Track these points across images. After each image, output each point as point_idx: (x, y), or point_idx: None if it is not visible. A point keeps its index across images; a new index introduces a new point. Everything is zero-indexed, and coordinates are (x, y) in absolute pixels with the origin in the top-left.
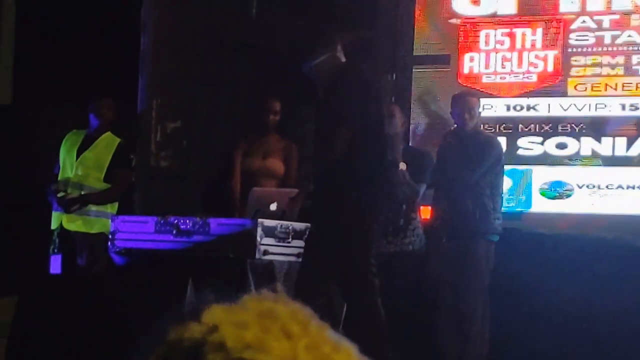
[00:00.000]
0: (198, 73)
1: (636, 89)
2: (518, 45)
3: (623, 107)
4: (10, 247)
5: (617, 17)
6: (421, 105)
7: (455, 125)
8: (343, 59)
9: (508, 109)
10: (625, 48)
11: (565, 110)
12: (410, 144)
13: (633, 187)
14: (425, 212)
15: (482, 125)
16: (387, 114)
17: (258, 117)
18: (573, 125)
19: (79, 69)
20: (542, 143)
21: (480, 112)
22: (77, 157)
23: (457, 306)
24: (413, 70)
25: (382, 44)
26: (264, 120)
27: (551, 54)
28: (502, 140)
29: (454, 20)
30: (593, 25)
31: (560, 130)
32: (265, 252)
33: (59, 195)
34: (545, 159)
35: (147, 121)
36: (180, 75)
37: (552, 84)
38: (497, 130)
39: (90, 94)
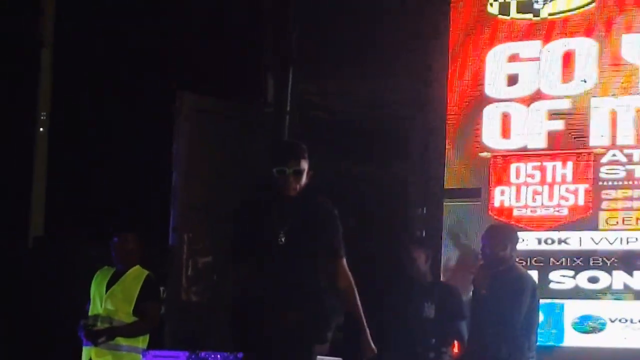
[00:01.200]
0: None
1: None
2: (549, 178)
3: None
4: None
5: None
6: (452, 238)
7: (482, 261)
8: None
9: (539, 242)
10: None
11: (596, 243)
12: (441, 279)
13: None
14: (457, 347)
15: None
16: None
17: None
18: (605, 258)
19: (109, 204)
20: (573, 277)
21: (515, 246)
22: (107, 291)
23: None
24: (444, 203)
25: (412, 178)
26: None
27: (582, 188)
28: (534, 274)
29: (484, 154)
30: (623, 159)
31: (592, 264)
32: None
33: (88, 328)
34: (577, 293)
35: (179, 255)
36: (210, 211)
37: (584, 217)
38: (529, 263)
39: (114, 229)
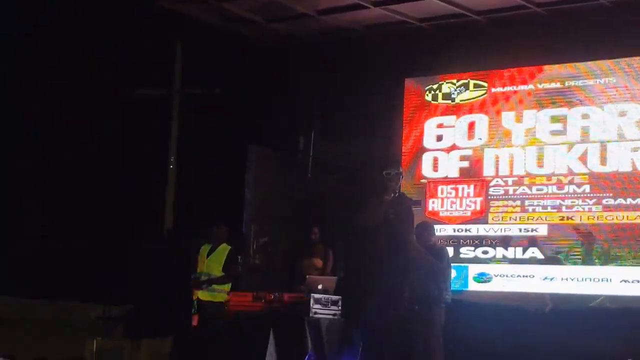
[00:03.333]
0: (277, 214)
1: (527, 220)
2: (460, 194)
3: (520, 230)
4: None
5: (515, 178)
6: None
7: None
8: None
9: (454, 230)
10: (521, 197)
11: (487, 232)
12: None
13: (527, 276)
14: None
15: (439, 241)
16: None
17: (308, 236)
18: (491, 240)
19: (212, 211)
20: (474, 250)
21: (434, 232)
22: (207, 257)
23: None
24: None
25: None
26: (310, 238)
27: (479, 200)
28: (450, 249)
29: (423, 180)
30: (502, 183)
31: (484, 243)
32: (316, 313)
33: (196, 279)
34: (476, 260)
35: (248, 238)
36: (267, 214)
37: (479, 217)
38: (447, 243)
39: (212, 223)
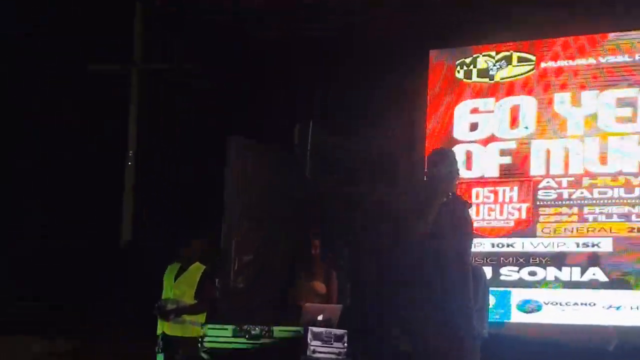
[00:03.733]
0: (265, 222)
1: (586, 232)
2: (500, 199)
3: (577, 245)
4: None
5: (572, 179)
6: None
7: None
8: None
9: (493, 246)
10: (578, 202)
11: (534, 247)
12: None
13: (586, 304)
14: None
15: (473, 259)
16: None
17: (306, 251)
18: (540, 258)
19: (181, 218)
20: (517, 271)
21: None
22: (175, 280)
23: None
24: None
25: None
26: (310, 254)
27: (524, 206)
28: (488, 270)
29: None
30: (555, 185)
31: (531, 262)
32: (314, 351)
33: (161, 308)
34: (520, 283)
35: (228, 255)
36: (252, 223)
37: (525, 228)
38: (485, 261)
39: (182, 237)
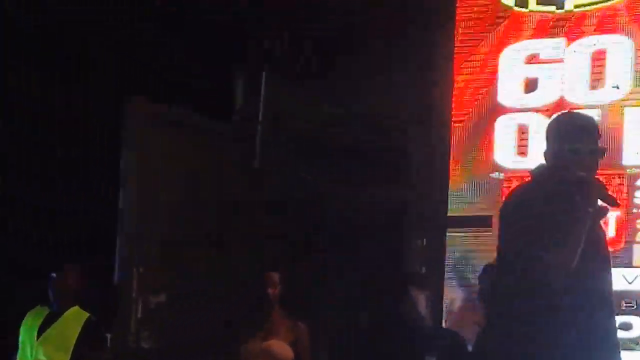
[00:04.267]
0: (191, 236)
1: None
2: None
3: None
4: None
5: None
6: (456, 275)
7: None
8: None
9: None
10: None
11: (630, 283)
12: (443, 325)
13: None
14: None
15: None
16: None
17: (258, 290)
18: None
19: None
20: None
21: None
22: (39, 337)
23: None
24: (447, 233)
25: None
26: (265, 293)
27: (613, 216)
28: None
29: (496, 175)
30: None
31: (624, 307)
32: None
33: None
34: None
35: (127, 293)
36: (166, 240)
37: (615, 251)
38: None
39: (53, 262)
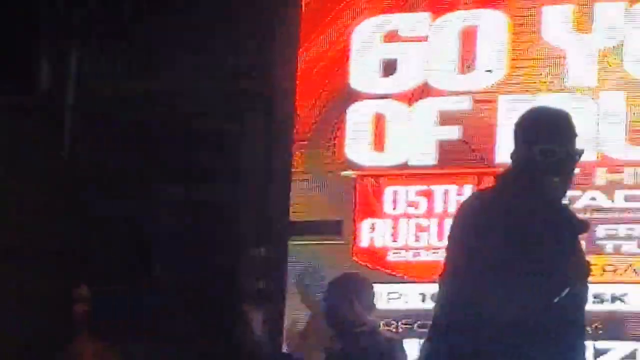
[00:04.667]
0: None
1: (601, 273)
2: (438, 208)
3: (593, 300)
4: None
5: (576, 170)
6: (300, 292)
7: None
8: None
9: (423, 299)
10: (584, 214)
11: None
12: (283, 349)
13: None
14: None
15: (380, 324)
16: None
17: (65, 308)
18: None
19: None
20: None
21: (370, 303)
22: None
23: None
24: (289, 242)
25: (247, 205)
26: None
27: None
28: (413, 344)
29: (347, 173)
30: None
31: None
32: None
33: None
34: None
35: None
36: None
37: None
38: (411, 327)
39: None
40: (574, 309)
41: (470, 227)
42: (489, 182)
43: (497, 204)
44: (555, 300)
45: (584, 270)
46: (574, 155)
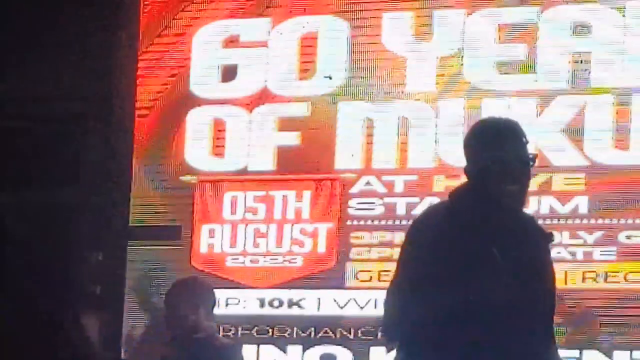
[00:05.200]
0: None
1: None
2: (277, 214)
3: None
4: None
5: (414, 177)
6: (138, 297)
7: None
8: None
9: (262, 304)
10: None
11: (342, 307)
12: (121, 356)
13: None
14: None
15: (220, 329)
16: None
17: None
18: (354, 329)
19: None
20: (302, 355)
21: (210, 309)
22: None
23: None
24: (129, 246)
25: (86, 209)
26: None
27: (323, 228)
28: (252, 350)
29: (187, 178)
30: (382, 189)
31: (336, 337)
32: None
33: None
34: None
35: None
36: None
37: (325, 270)
38: (249, 333)
39: None
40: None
41: (422, 237)
42: (327, 188)
43: (453, 213)
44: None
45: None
46: (527, 162)
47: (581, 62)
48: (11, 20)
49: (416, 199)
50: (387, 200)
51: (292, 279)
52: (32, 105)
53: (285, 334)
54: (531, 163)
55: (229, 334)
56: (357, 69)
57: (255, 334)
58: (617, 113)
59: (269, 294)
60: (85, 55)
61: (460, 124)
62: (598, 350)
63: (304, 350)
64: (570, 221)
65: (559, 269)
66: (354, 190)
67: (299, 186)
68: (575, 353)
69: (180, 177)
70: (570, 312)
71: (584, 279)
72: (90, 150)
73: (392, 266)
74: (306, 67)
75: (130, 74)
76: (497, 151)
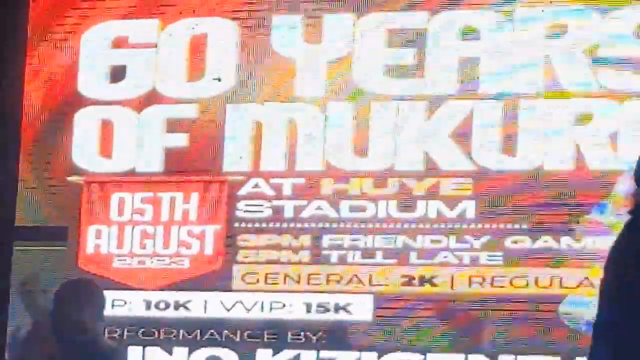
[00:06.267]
0: None
1: (326, 282)
2: (165, 216)
3: (308, 308)
4: None
5: (302, 180)
6: (23, 298)
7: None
8: None
9: (148, 306)
10: (311, 225)
11: (228, 310)
12: (6, 357)
13: None
14: None
15: (105, 330)
16: None
17: None
18: (240, 331)
19: None
20: (188, 357)
21: (97, 310)
22: None
23: None
24: (14, 247)
25: None
26: None
27: (210, 230)
28: (137, 351)
29: (74, 178)
30: (270, 192)
31: (222, 339)
32: None
33: None
34: None
35: None
36: None
37: (211, 272)
38: (135, 336)
39: None
40: None
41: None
42: (214, 190)
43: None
44: None
45: None
46: None
47: (470, 67)
48: None
49: (304, 202)
50: (275, 203)
51: (179, 281)
52: None
53: (172, 336)
54: None
55: (114, 335)
56: (247, 72)
57: (140, 335)
58: (505, 118)
59: (155, 296)
60: None
61: (349, 128)
62: (484, 355)
63: (190, 352)
64: (457, 225)
65: (445, 274)
66: (242, 192)
67: (187, 188)
68: (460, 357)
69: (68, 178)
70: (456, 316)
71: (470, 283)
72: None
73: (279, 269)
74: (195, 69)
75: (18, 75)
76: None
